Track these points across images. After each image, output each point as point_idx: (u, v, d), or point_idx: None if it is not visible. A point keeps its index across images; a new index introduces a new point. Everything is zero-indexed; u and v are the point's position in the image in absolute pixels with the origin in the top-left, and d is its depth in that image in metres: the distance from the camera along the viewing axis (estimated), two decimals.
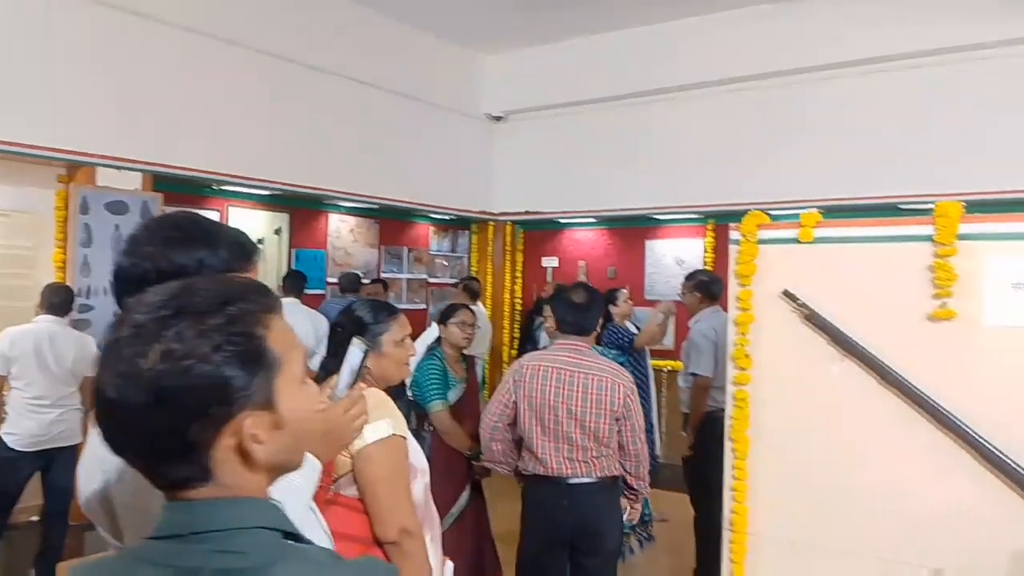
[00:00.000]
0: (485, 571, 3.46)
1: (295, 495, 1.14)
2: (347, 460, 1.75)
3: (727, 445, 2.84)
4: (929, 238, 2.44)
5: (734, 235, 2.83)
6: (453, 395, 3.34)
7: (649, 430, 5.59)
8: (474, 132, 7.94)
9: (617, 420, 2.87)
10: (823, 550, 2.61)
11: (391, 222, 7.77)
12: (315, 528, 1.21)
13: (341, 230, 7.35)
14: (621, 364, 3.73)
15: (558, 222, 8.37)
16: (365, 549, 1.69)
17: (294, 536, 0.85)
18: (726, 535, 2.82)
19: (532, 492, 2.96)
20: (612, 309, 5.22)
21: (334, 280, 6.94)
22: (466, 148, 7.84)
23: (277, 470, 0.88)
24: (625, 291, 5.30)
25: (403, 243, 7.95)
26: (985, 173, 5.32)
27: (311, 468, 1.26)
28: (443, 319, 3.46)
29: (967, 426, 2.34)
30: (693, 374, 4.31)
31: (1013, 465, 2.27)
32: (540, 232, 8.60)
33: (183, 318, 0.80)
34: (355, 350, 1.41)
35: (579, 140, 7.57)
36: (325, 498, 1.73)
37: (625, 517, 3.09)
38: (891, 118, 5.84)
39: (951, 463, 2.38)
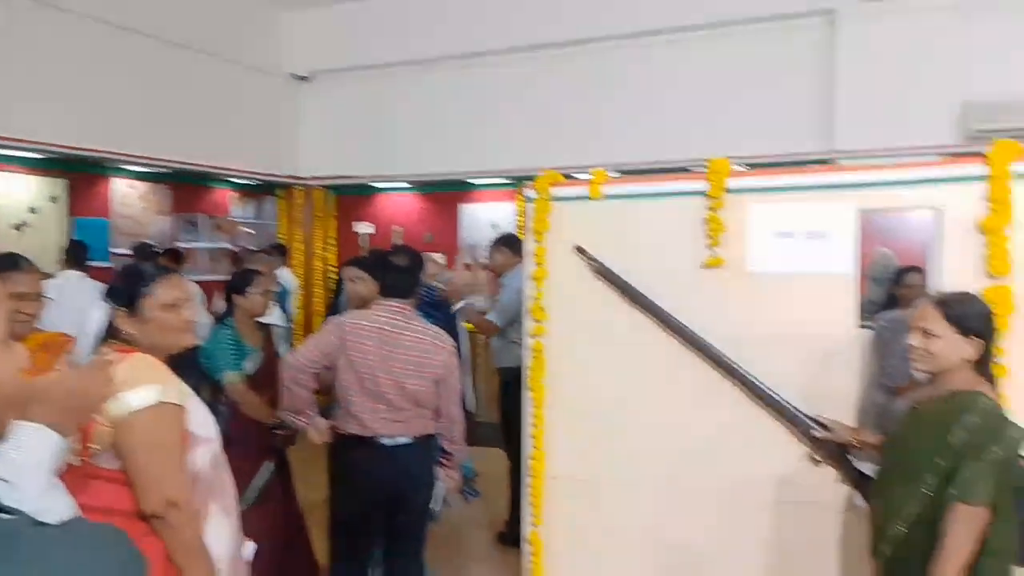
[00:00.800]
0: (294, 545, 3.37)
1: (25, 471, 1.05)
2: (107, 430, 1.62)
3: (525, 395, 2.95)
4: (702, 193, 2.64)
5: (529, 193, 2.91)
6: (250, 364, 3.19)
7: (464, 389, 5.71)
8: (277, 92, 7.56)
9: (437, 384, 2.90)
10: (613, 485, 2.79)
11: (186, 187, 7.25)
12: (56, 502, 1.12)
13: (129, 197, 6.76)
14: (434, 323, 3.77)
15: (372, 187, 8.21)
16: (126, 523, 1.57)
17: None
18: (526, 480, 2.94)
19: (347, 453, 2.94)
20: (422, 274, 5.25)
21: (126, 251, 6.38)
22: (269, 109, 7.45)
23: None
24: (433, 255, 5.36)
25: (200, 210, 7.45)
26: (765, 139, 5.81)
27: (41, 441, 1.16)
28: (239, 288, 3.28)
29: (734, 363, 2.57)
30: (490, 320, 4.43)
31: (773, 395, 2.52)
32: (353, 197, 8.40)
33: None
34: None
35: (390, 103, 7.43)
36: (84, 471, 1.59)
37: (443, 485, 3.10)
38: (685, 86, 6.23)
39: (722, 396, 2.61)
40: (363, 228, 8.29)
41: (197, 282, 6.62)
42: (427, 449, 3.01)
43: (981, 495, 1.90)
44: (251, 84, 7.18)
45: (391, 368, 2.84)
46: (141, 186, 6.83)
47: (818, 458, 2.48)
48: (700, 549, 2.69)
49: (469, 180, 7.61)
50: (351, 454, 2.93)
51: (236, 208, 7.88)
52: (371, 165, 7.58)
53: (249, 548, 1.96)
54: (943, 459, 1.95)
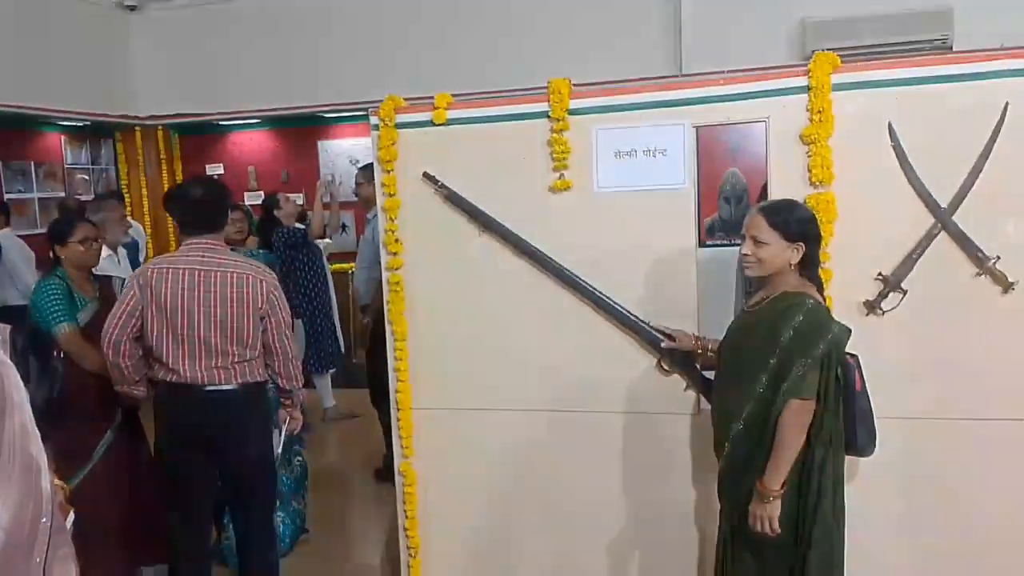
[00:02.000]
0: (144, 502, 3.22)
1: None
2: None
3: (387, 328, 2.91)
4: (546, 114, 2.63)
5: (374, 120, 2.81)
6: (84, 316, 2.97)
7: (332, 331, 5.61)
8: (104, 23, 6.90)
9: (262, 319, 2.73)
10: (477, 412, 2.83)
11: (9, 132, 6.57)
12: None
13: None
14: (296, 266, 3.64)
15: (219, 125, 7.74)
16: None
17: None
18: (394, 413, 2.94)
19: (164, 400, 2.73)
20: (277, 214, 5.06)
21: None
22: (95, 42, 6.79)
23: None
24: (287, 195, 5.16)
25: (28, 157, 6.80)
26: (612, 63, 5.87)
27: None
28: (58, 237, 3.00)
29: (585, 281, 2.63)
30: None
31: (623, 311, 2.60)
32: (200, 137, 7.90)
33: None
34: None
35: (233, 33, 6.93)
36: None
37: (285, 428, 3.01)
38: (534, 7, 6.17)
39: (575, 317, 2.67)
40: (213, 170, 7.85)
41: (30, 236, 6.10)
42: (253, 398, 2.79)
43: (810, 390, 2.03)
44: (73, 15, 6.50)
45: (209, 308, 2.62)
46: None
47: (666, 367, 2.59)
48: (563, 467, 2.78)
49: (322, 115, 7.29)
50: (169, 401, 2.71)
51: (68, 153, 7.24)
52: (217, 101, 7.11)
53: (69, 520, 1.83)
54: (773, 358, 2.07)
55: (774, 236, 2.10)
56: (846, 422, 2.13)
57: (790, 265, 2.12)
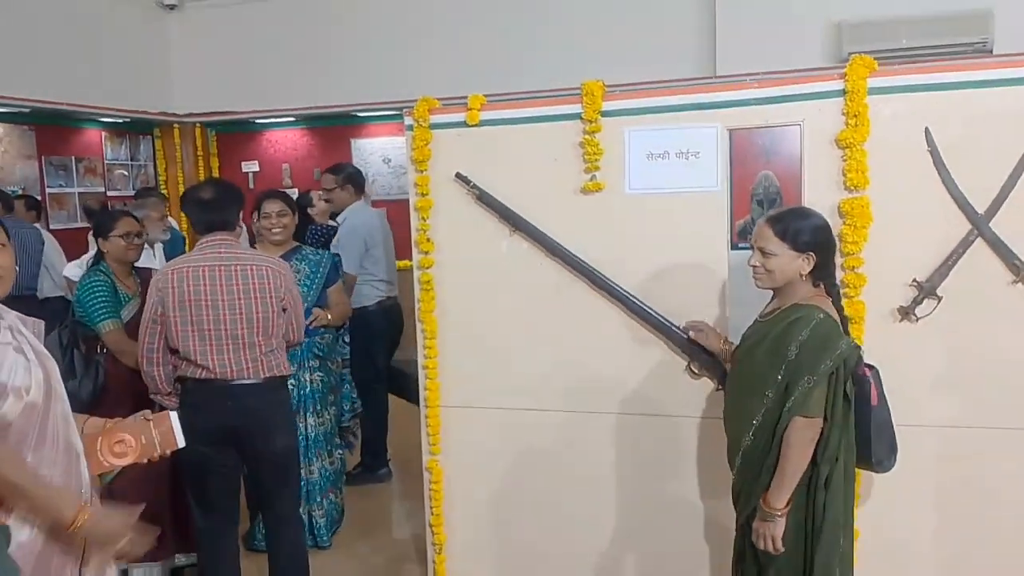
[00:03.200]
0: (177, 491, 3.29)
1: None
2: None
3: (417, 327, 2.94)
4: (578, 116, 2.64)
5: (408, 121, 2.84)
6: (127, 312, 3.04)
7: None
8: (144, 22, 7.04)
9: (284, 310, 2.77)
10: (505, 410, 2.84)
11: (51, 128, 6.74)
12: None
13: None
14: (336, 263, 3.67)
15: (255, 123, 7.85)
16: None
17: None
18: (422, 410, 2.97)
19: (192, 397, 2.74)
20: (310, 211, 5.09)
21: None
22: (136, 40, 6.93)
23: None
24: (318, 192, 5.16)
25: (69, 152, 6.96)
26: (646, 65, 5.86)
27: None
28: (100, 231, 3.08)
29: (615, 283, 2.63)
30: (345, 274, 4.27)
31: (652, 312, 2.61)
32: (236, 135, 8.02)
33: None
34: None
35: (271, 32, 7.04)
36: None
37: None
38: (570, 10, 6.18)
39: (603, 316, 2.68)
40: (248, 167, 7.97)
41: (68, 230, 6.25)
42: (279, 392, 2.83)
43: (815, 408, 1.97)
44: (113, 14, 6.64)
45: (234, 301, 2.65)
46: None
47: (695, 371, 2.59)
48: (590, 468, 2.79)
49: (357, 113, 7.37)
50: (196, 394, 2.72)
51: (108, 149, 7.39)
52: (253, 99, 7.22)
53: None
54: (780, 373, 2.01)
55: (782, 247, 2.02)
56: (861, 438, 2.07)
57: (801, 275, 2.05)
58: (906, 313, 2.39)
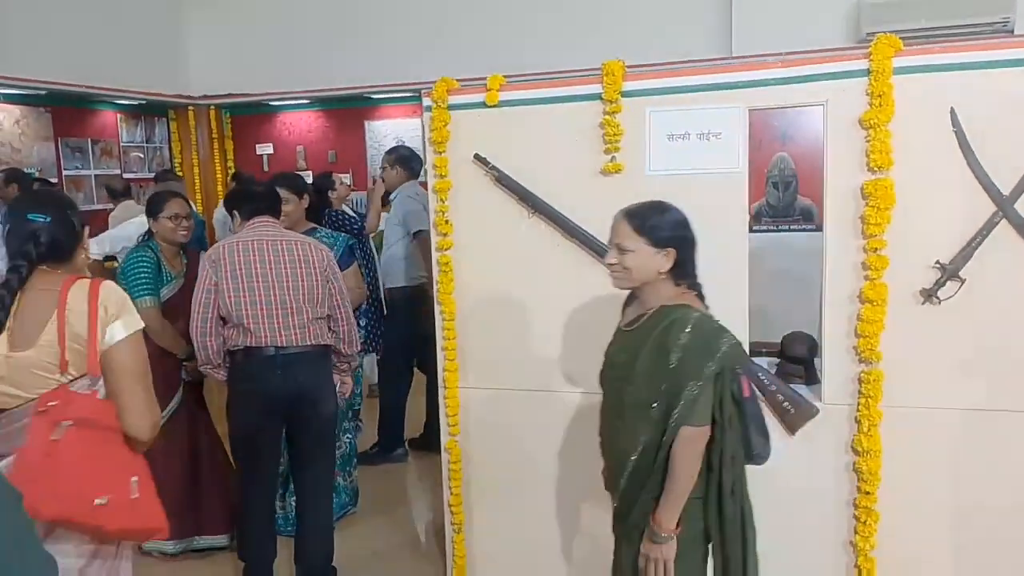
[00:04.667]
0: (203, 475, 3.33)
1: None
2: (84, 355, 1.72)
3: (436, 309, 2.95)
4: (598, 96, 2.62)
5: (426, 102, 2.83)
6: (167, 291, 3.11)
7: (380, 313, 5.67)
8: (159, 4, 7.04)
9: (327, 281, 2.95)
10: (523, 391, 2.85)
11: (67, 110, 6.77)
12: None
13: (3, 122, 6.27)
14: (351, 246, 3.71)
15: (269, 105, 7.86)
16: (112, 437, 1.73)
17: None
18: (441, 392, 2.98)
19: (240, 367, 2.90)
20: (331, 195, 5.10)
21: None
22: (150, 22, 6.94)
23: None
24: (341, 176, 5.20)
25: (86, 134, 6.99)
26: (663, 46, 5.81)
27: None
28: (152, 211, 3.18)
29: None
30: (418, 232, 4.34)
31: None
32: (250, 116, 8.04)
33: None
34: None
35: (285, 14, 7.03)
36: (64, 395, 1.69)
37: (338, 390, 3.13)
38: None
39: (621, 298, 2.65)
40: (263, 149, 7.99)
41: (87, 211, 6.28)
42: (325, 359, 3.02)
43: (702, 416, 1.85)
44: None
45: (281, 270, 2.87)
46: (14, 110, 6.34)
47: None
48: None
49: (371, 96, 7.35)
50: (245, 366, 2.89)
51: (124, 131, 7.42)
52: (267, 81, 7.22)
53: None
54: (663, 383, 1.87)
55: (640, 242, 1.90)
56: (745, 435, 1.93)
57: (660, 273, 1.92)
58: (929, 295, 2.37)
